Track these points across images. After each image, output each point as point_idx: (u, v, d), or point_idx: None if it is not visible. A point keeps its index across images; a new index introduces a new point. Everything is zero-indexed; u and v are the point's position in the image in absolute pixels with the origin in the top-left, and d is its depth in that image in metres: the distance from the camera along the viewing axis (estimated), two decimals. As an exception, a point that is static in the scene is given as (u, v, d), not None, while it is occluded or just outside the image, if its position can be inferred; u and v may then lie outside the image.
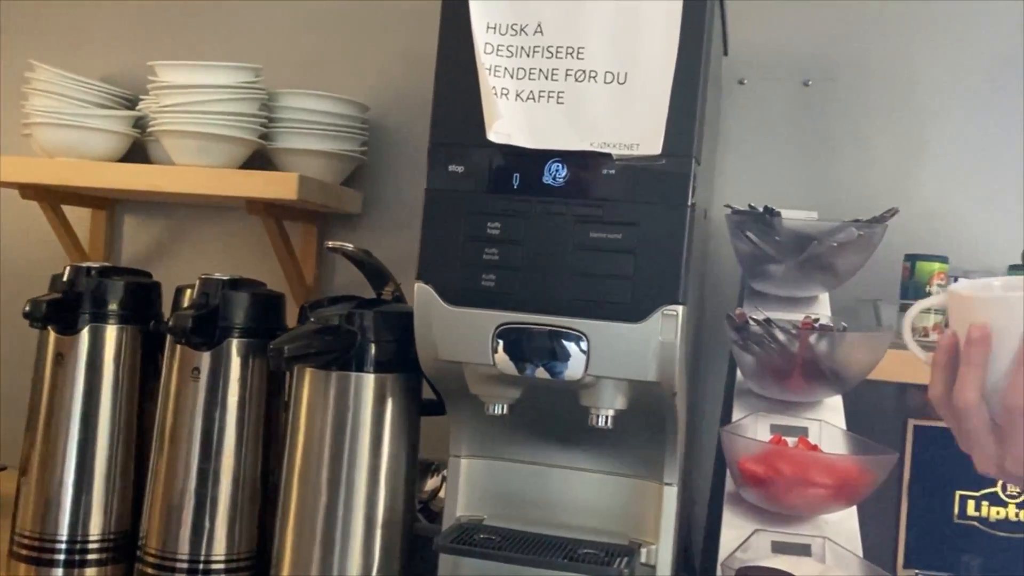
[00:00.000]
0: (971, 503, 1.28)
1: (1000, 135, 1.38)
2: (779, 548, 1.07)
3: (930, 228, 1.37)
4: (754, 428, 1.18)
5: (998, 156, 1.38)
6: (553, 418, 1.05)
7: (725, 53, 1.40)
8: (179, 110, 1.38)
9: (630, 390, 0.96)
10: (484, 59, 0.93)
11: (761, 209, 1.19)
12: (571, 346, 0.92)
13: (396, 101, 1.60)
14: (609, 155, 0.91)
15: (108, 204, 1.70)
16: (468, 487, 1.10)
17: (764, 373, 1.17)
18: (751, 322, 1.14)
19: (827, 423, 1.17)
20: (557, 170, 0.92)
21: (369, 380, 1.07)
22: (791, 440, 1.15)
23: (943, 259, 1.23)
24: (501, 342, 0.93)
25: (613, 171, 0.91)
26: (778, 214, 1.19)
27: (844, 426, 1.18)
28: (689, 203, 0.89)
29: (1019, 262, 1.25)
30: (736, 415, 1.19)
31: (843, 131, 1.45)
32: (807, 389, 1.17)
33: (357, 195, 1.58)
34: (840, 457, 1.08)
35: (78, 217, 1.67)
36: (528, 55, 0.92)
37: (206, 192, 1.37)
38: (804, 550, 1.03)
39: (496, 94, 0.92)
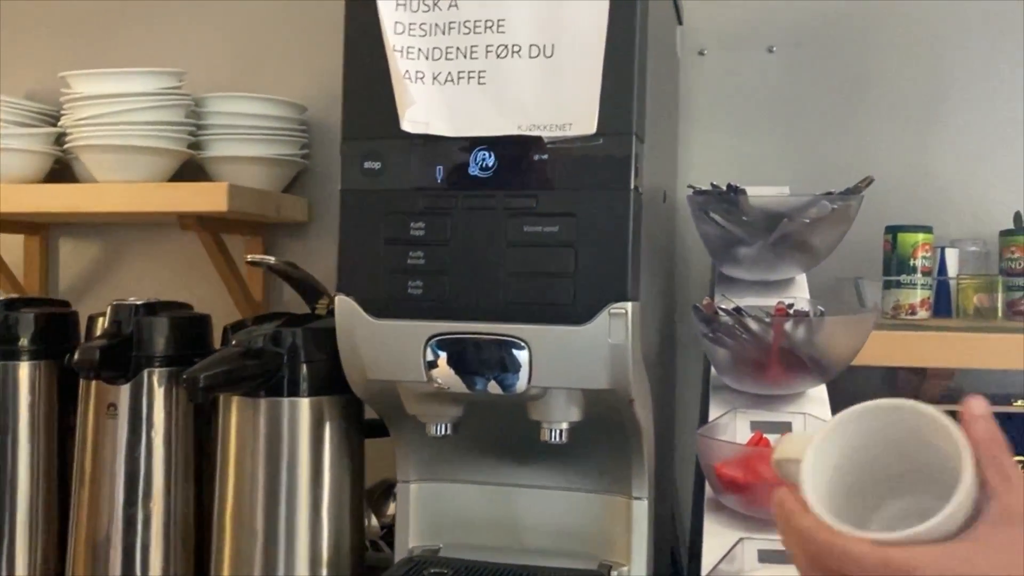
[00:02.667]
0: (975, 491, 1.17)
1: (981, 97, 1.28)
2: (766, 557, 0.97)
3: (912, 197, 1.27)
4: (733, 427, 1.08)
5: (981, 118, 1.28)
6: (507, 434, 0.95)
7: (679, 22, 1.30)
8: (95, 123, 1.28)
9: (583, 399, 0.86)
10: (394, 40, 0.82)
11: (724, 187, 1.09)
12: (511, 356, 0.81)
13: (337, 100, 1.49)
14: (540, 138, 0.80)
15: (40, 229, 1.60)
16: (421, 514, 1.00)
17: (739, 366, 1.07)
18: (720, 312, 1.04)
19: (812, 416, 1.07)
20: (484, 159, 0.82)
21: (303, 405, 0.97)
22: (773, 437, 1.05)
23: (927, 229, 1.13)
24: (433, 356, 0.83)
25: (546, 156, 0.81)
26: (743, 192, 1.08)
27: (830, 417, 1.08)
28: (632, 186, 0.79)
29: (1011, 227, 1.15)
30: (713, 414, 1.09)
31: (813, 98, 1.35)
32: (787, 380, 1.07)
33: (302, 201, 1.48)
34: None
35: (13, 244, 1.57)
36: (443, 32, 0.82)
37: (129, 209, 1.27)
38: (793, 560, 0.93)
39: (410, 78, 0.82)
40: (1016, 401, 1.18)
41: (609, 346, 0.80)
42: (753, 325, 1.02)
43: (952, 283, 1.14)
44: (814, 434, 0.57)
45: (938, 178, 1.28)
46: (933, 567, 0.48)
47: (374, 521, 1.18)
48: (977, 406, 0.53)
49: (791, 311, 1.02)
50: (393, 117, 0.83)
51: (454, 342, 0.82)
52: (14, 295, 1.13)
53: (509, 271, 0.81)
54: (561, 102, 0.80)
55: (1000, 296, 1.09)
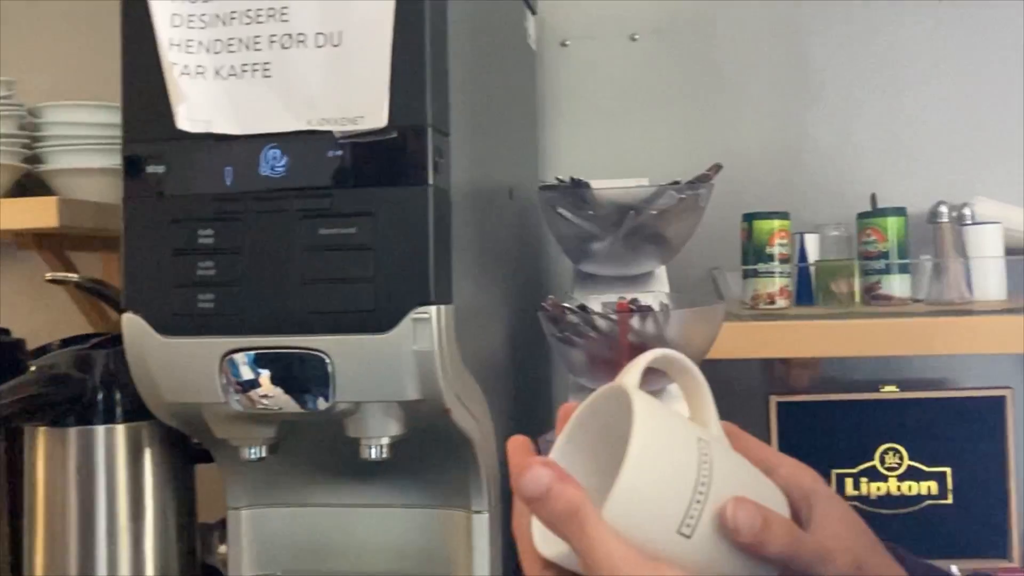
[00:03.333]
0: (849, 481, 1.15)
1: (839, 80, 1.25)
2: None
3: (770, 183, 1.24)
4: (591, 430, 1.03)
5: (839, 101, 1.25)
6: (336, 452, 0.89)
7: (532, 12, 1.25)
8: (-87, 137, 1.19)
9: (402, 412, 0.80)
10: (170, 34, 0.76)
11: (569, 181, 1.04)
12: (313, 370, 0.75)
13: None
14: (331, 133, 0.74)
15: None
16: (254, 542, 0.94)
17: (592, 366, 1.02)
18: (566, 311, 0.99)
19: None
20: (275, 158, 0.76)
21: (119, 432, 0.91)
22: (632, 439, 1.01)
23: (783, 215, 1.09)
24: (229, 373, 0.76)
25: (339, 152, 0.75)
26: (587, 185, 1.04)
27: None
28: (430, 182, 0.74)
29: (869, 209, 1.12)
30: (571, 417, 1.04)
31: (677, 86, 1.31)
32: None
33: (155, 214, 1.39)
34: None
35: None
36: (224, 23, 0.76)
37: (-51, 229, 1.18)
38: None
39: (188, 73, 0.76)
40: (884, 387, 1.15)
41: (415, 354, 0.74)
42: (600, 323, 0.97)
43: (811, 269, 1.10)
44: None
45: (801, 164, 1.26)
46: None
47: (223, 548, 1.11)
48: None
49: (635, 307, 0.98)
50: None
51: (251, 359, 0.76)
52: None
53: (306, 278, 0.75)
54: (351, 94, 0.74)
55: (857, 280, 1.06)
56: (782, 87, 1.27)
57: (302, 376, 0.75)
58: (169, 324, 0.77)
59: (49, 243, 1.27)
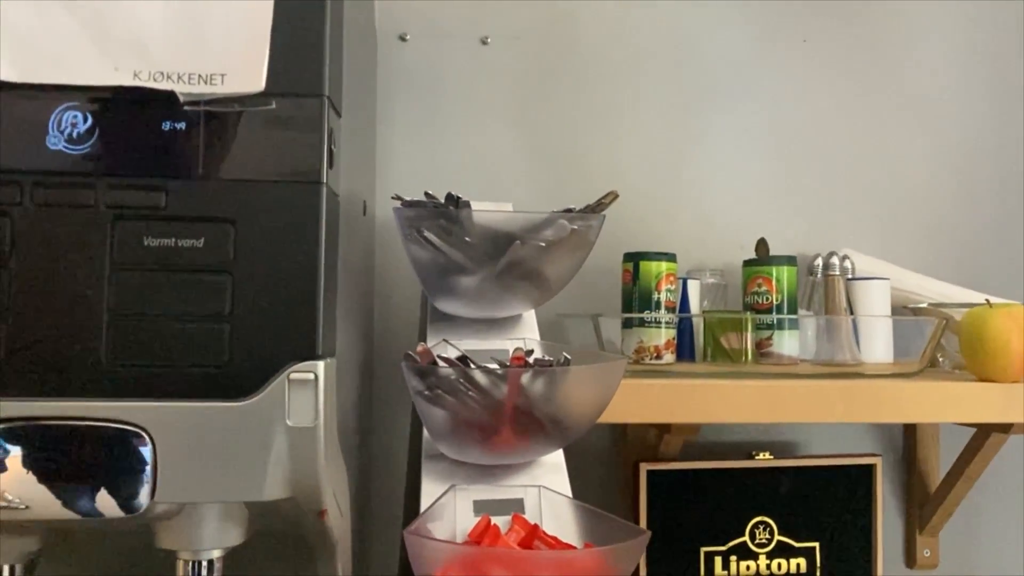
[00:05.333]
0: (719, 560, 1.02)
1: (727, 108, 1.15)
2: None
3: (646, 220, 1.10)
4: (452, 509, 0.82)
5: (726, 132, 1.14)
6: (130, 566, 0.61)
7: (377, -8, 1.04)
8: None
9: (249, 513, 0.55)
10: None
11: (446, 199, 0.84)
12: (118, 454, 0.49)
13: None
14: (173, 94, 0.49)
15: None
16: None
17: (461, 431, 0.81)
18: (440, 362, 0.78)
19: (547, 489, 0.84)
20: (75, 124, 0.49)
21: None
22: (503, 520, 0.81)
23: (671, 257, 0.95)
24: (-25, 459, 0.48)
25: (182, 125, 0.49)
26: (467, 205, 0.84)
27: (568, 488, 0.86)
28: (324, 178, 0.50)
29: (752, 257, 1.01)
30: (426, 493, 0.82)
31: (531, 97, 1.14)
32: (520, 447, 0.83)
33: None
34: (575, 553, 0.75)
35: None
36: (1, -93, 0.48)
37: None
38: None
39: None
40: (757, 453, 1.04)
41: (288, 431, 0.50)
42: (482, 379, 0.77)
43: (696, 321, 0.97)
44: None
45: (675, 200, 1.13)
46: None
47: None
48: None
49: (532, 360, 0.79)
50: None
51: (22, 433, 0.48)
52: None
53: (117, 311, 0.49)
54: (208, 40, 0.49)
55: (749, 336, 0.94)
56: (653, 102, 1.14)
57: (101, 465, 0.49)
58: None
59: None
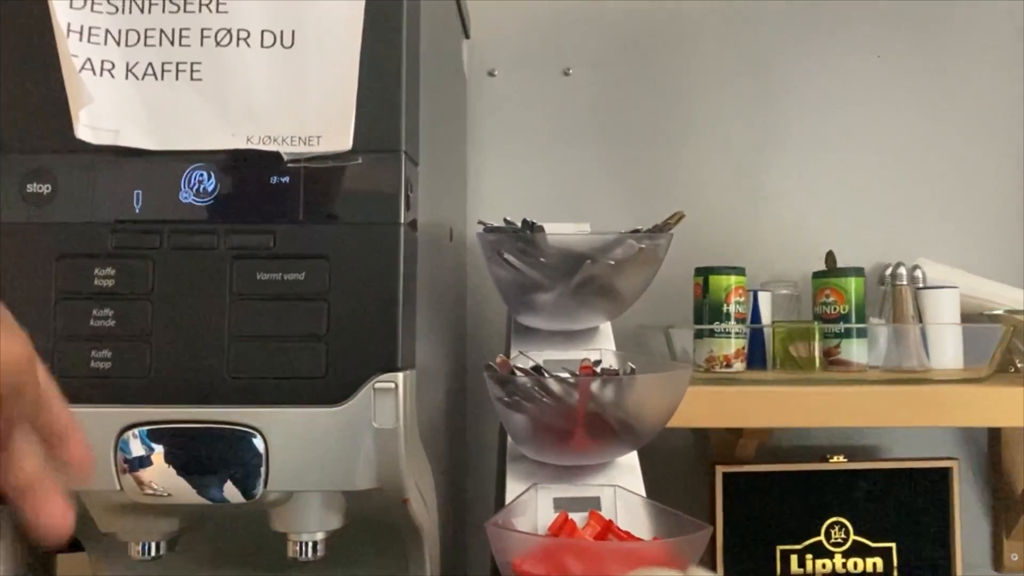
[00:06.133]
0: (794, 559, 1.07)
1: (797, 130, 1.20)
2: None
3: (721, 235, 1.16)
4: (534, 506, 0.90)
5: (795, 151, 1.20)
6: (250, 544, 0.72)
7: (467, 35, 1.14)
8: None
9: (346, 502, 0.65)
10: (69, 16, 0.59)
11: (521, 224, 0.93)
12: (240, 451, 0.60)
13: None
14: (278, 155, 0.60)
15: None
16: (133, 655, 0.75)
17: (539, 435, 0.90)
18: (517, 372, 0.87)
19: (622, 488, 0.91)
20: (201, 181, 0.60)
21: (-39, 517, 0.70)
22: (580, 517, 0.89)
23: (740, 271, 1.01)
24: (127, 454, 0.60)
25: (286, 179, 0.60)
26: (540, 229, 0.92)
27: (642, 488, 0.93)
28: (402, 220, 0.60)
29: (823, 268, 1.06)
30: (510, 491, 0.91)
31: (615, 127, 1.22)
32: (594, 449, 0.91)
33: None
34: (642, 545, 0.83)
35: None
36: (141, 9, 0.60)
37: None
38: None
39: (92, 69, 0.59)
40: (832, 457, 1.09)
41: (374, 432, 0.60)
42: (555, 387, 0.85)
43: (767, 331, 1.03)
44: None
45: (746, 216, 1.19)
46: None
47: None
48: None
49: (598, 369, 0.87)
50: (69, 123, 0.59)
51: (157, 434, 0.59)
52: None
53: (236, 334, 0.60)
54: (305, 108, 0.60)
55: (817, 344, 0.99)
56: (730, 131, 1.20)
57: (226, 459, 0.59)
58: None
59: None
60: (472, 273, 1.13)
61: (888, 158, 1.18)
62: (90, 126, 0.59)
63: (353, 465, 0.60)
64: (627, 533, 0.87)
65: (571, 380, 0.85)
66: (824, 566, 1.07)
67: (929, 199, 1.17)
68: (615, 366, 0.93)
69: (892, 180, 1.17)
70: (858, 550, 1.07)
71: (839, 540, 1.07)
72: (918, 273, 1.06)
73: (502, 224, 0.93)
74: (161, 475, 0.60)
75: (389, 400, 0.59)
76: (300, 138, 0.59)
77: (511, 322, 1.03)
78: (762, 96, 1.20)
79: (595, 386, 0.86)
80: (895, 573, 1.07)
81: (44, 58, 0.60)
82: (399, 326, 0.60)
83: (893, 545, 1.08)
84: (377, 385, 0.59)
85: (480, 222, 0.95)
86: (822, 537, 1.07)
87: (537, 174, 1.22)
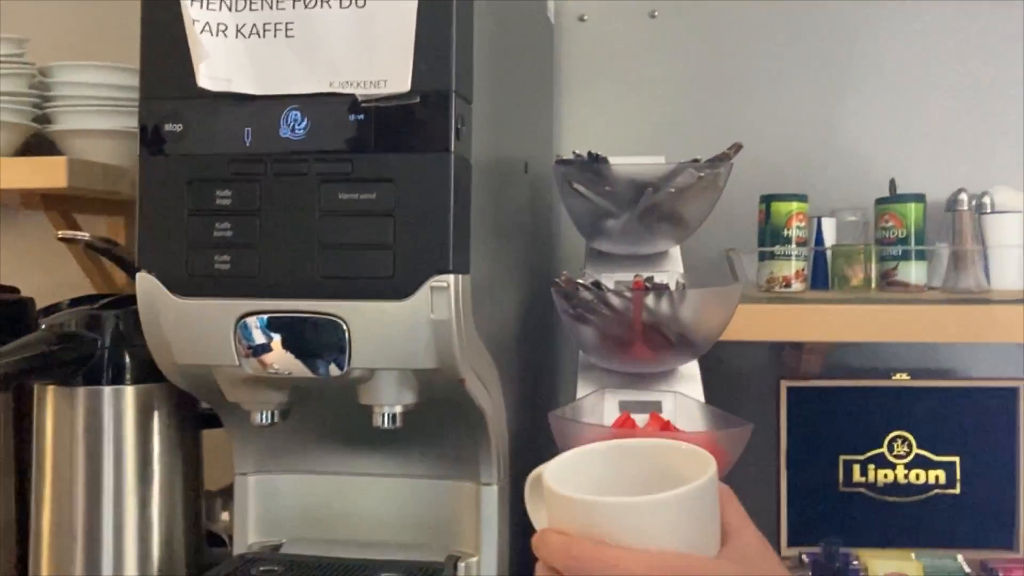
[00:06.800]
0: (856, 468, 1.14)
1: (863, 64, 1.24)
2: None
3: (788, 165, 1.22)
4: (600, 407, 1.02)
5: (862, 85, 1.24)
6: (345, 419, 0.88)
7: (553, -15, 1.24)
8: (-77, 93, 1.18)
9: (416, 380, 0.79)
10: (190, -12, 0.74)
11: (587, 156, 1.03)
12: (329, 335, 0.75)
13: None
14: (354, 97, 0.73)
15: None
16: (261, 508, 0.93)
17: (604, 344, 1.02)
18: (579, 288, 0.98)
19: (681, 394, 1.02)
20: (295, 120, 0.75)
21: (128, 393, 0.90)
22: (641, 417, 1.00)
23: (801, 198, 1.08)
24: (244, 337, 0.76)
25: (362, 116, 0.74)
26: (605, 160, 1.03)
27: (702, 395, 1.03)
28: (452, 149, 0.73)
29: (887, 195, 1.11)
30: (581, 392, 1.03)
31: (694, 66, 1.29)
32: (653, 358, 1.02)
33: (163, 178, 1.38)
34: (687, 434, 0.93)
35: None
36: (247, -19, 0.75)
37: (-40, 186, 1.17)
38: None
39: (209, 31, 0.74)
40: (895, 375, 1.15)
41: (432, 322, 0.73)
42: (613, 300, 0.96)
43: (828, 253, 1.09)
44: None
45: (820, 147, 1.24)
46: (689, 570, 0.50)
47: (225, 516, 1.11)
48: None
49: (650, 285, 0.97)
50: (193, 75, 0.75)
51: (267, 322, 0.75)
52: None
53: (325, 243, 0.74)
54: (375, 57, 0.73)
55: (874, 266, 1.05)
56: (804, 69, 1.26)
57: (318, 341, 0.75)
58: (184, 285, 0.76)
59: (55, 204, 1.26)
60: (557, 203, 1.25)
61: (956, 88, 1.20)
62: (209, 76, 0.74)
63: (416, 348, 0.74)
64: (683, 433, 0.98)
65: (626, 294, 0.96)
66: (886, 476, 1.14)
67: (999, 130, 1.19)
68: (681, 282, 1.03)
69: (961, 110, 1.20)
70: (921, 463, 1.13)
71: (901, 453, 1.13)
72: (986, 200, 1.09)
73: (571, 157, 1.04)
74: (278, 356, 0.76)
75: (443, 297, 0.73)
76: (371, 82, 0.73)
77: (587, 247, 1.15)
78: (834, 31, 1.24)
79: (649, 299, 0.96)
80: (958, 486, 1.13)
81: (173, 23, 0.76)
82: (451, 237, 0.73)
83: (957, 459, 1.13)
84: (433, 284, 0.73)
85: (557, 156, 1.06)
86: (884, 449, 1.14)
87: (622, 112, 1.31)
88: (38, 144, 1.28)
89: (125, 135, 1.29)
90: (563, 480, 0.54)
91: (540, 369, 1.17)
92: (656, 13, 1.31)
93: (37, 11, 1.41)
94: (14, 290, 1.02)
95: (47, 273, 1.35)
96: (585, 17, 1.33)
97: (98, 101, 1.27)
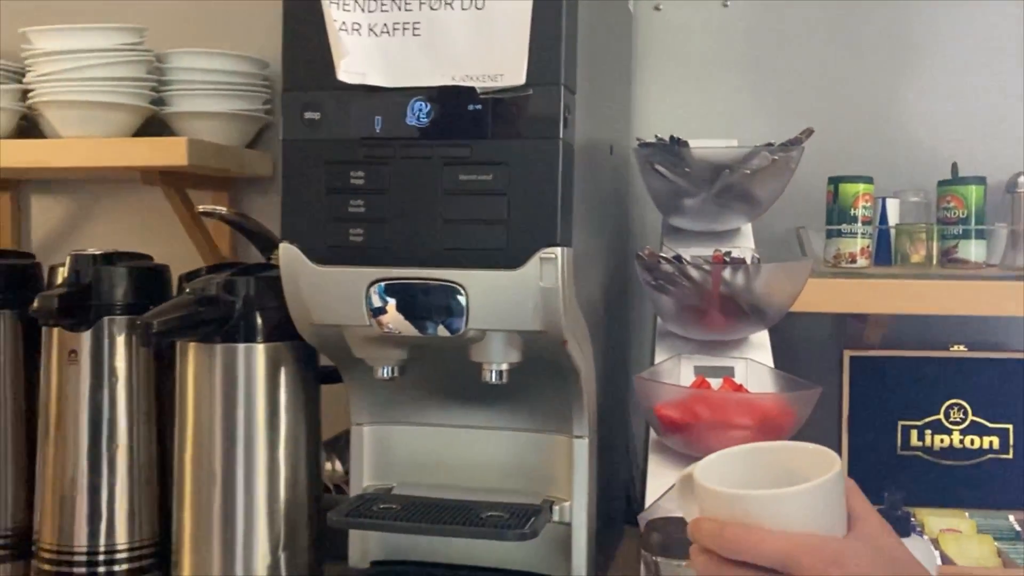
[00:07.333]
0: (914, 433, 1.22)
1: (923, 52, 1.31)
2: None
3: (856, 149, 1.30)
4: (677, 371, 1.12)
5: (923, 74, 1.31)
6: (453, 376, 0.99)
7: (633, -23, 1.32)
8: (57, 78, 1.30)
9: (522, 341, 0.89)
10: (330, -8, 0.85)
11: (668, 139, 1.12)
12: (449, 300, 0.85)
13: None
14: (473, 89, 0.83)
15: (12, 186, 1.62)
16: (374, 456, 1.05)
17: (682, 313, 1.11)
18: (662, 261, 1.07)
19: (753, 361, 1.11)
20: (420, 109, 0.85)
21: (258, 351, 1.01)
22: (715, 381, 1.09)
23: (867, 179, 1.16)
24: (374, 300, 0.86)
25: (479, 107, 0.83)
26: (685, 144, 1.11)
27: (771, 362, 1.12)
28: (560, 136, 0.82)
29: (949, 178, 1.18)
30: (659, 358, 1.13)
31: (765, 53, 1.37)
32: (728, 326, 1.11)
33: (265, 156, 1.50)
34: (759, 396, 1.02)
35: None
36: (379, -15, 0.84)
37: (92, 164, 1.29)
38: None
39: (345, 30, 0.84)
40: (953, 346, 1.22)
41: (541, 289, 0.83)
42: (693, 272, 1.05)
43: (891, 232, 1.17)
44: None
45: (886, 131, 1.31)
46: (824, 549, 0.58)
47: (338, 466, 1.22)
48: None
49: (728, 259, 1.06)
50: (332, 68, 0.85)
51: (394, 287, 0.86)
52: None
53: (446, 218, 0.84)
54: (492, 53, 0.82)
55: (935, 244, 1.12)
56: (872, 55, 1.32)
57: (439, 305, 0.85)
58: (322, 254, 0.87)
59: (172, 180, 1.37)
60: (634, 182, 1.33)
61: (1017, 75, 1.26)
62: (346, 70, 0.84)
63: (525, 312, 0.84)
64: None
65: (706, 267, 1.05)
66: (942, 441, 1.21)
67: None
68: (756, 256, 1.11)
69: (1021, 97, 1.26)
70: (976, 429, 1.21)
71: (957, 419, 1.21)
72: (1046, 182, 1.15)
73: (653, 140, 1.13)
74: (394, 318, 0.87)
75: (551, 267, 0.83)
76: (488, 76, 0.82)
77: (664, 223, 1.23)
78: (899, 20, 1.30)
79: (726, 272, 1.05)
80: (1011, 451, 1.20)
81: (311, 24, 0.86)
82: (558, 214, 0.82)
83: (1010, 427, 1.20)
84: (542, 255, 0.83)
85: (637, 139, 1.15)
86: (941, 416, 1.21)
87: (695, 98, 1.39)
88: (146, 125, 1.40)
89: (233, 117, 1.41)
90: (710, 478, 0.63)
91: (622, 333, 1.27)
92: (728, 2, 1.39)
93: (155, 3, 1.52)
94: (148, 258, 1.14)
95: (162, 244, 1.48)
96: (660, 6, 1.41)
97: (209, 85, 1.38)
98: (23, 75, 1.43)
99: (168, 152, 1.27)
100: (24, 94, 1.42)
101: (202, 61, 1.39)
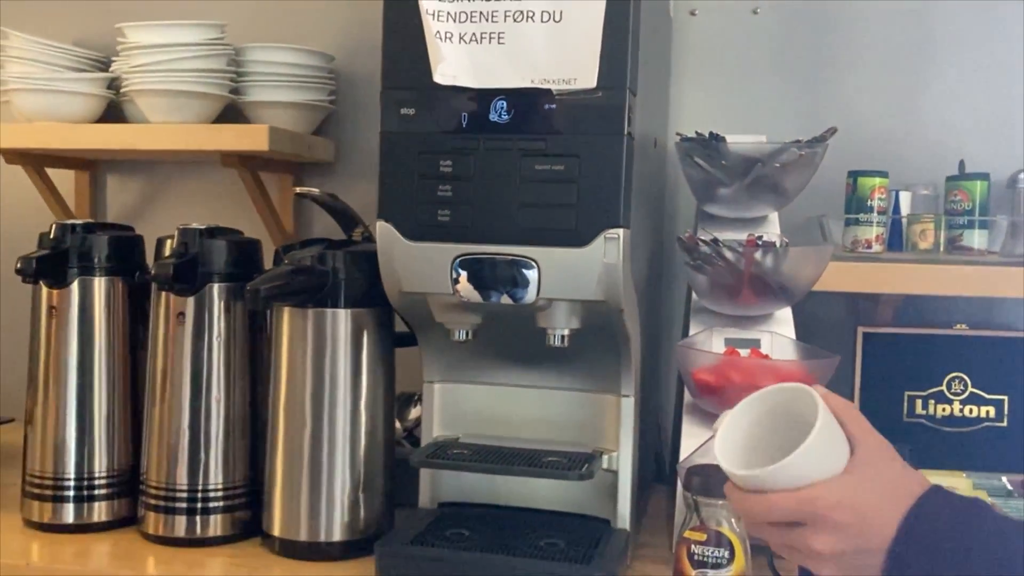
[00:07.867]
0: (919, 402, 1.36)
1: (932, 55, 1.44)
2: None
3: (872, 146, 1.43)
4: (709, 342, 1.26)
5: (938, 77, 1.44)
6: (516, 341, 1.13)
7: (674, -15, 1.45)
8: (149, 70, 1.43)
9: (582, 310, 1.03)
10: (426, 4, 0.98)
11: (707, 135, 1.25)
12: (524, 272, 0.99)
13: (361, 50, 1.64)
14: (549, 91, 0.96)
15: (90, 165, 1.75)
16: (442, 410, 1.19)
17: (716, 291, 1.25)
18: (700, 243, 1.21)
19: (777, 334, 1.25)
20: (502, 108, 0.98)
21: (344, 315, 1.15)
22: (744, 351, 1.23)
23: (883, 174, 1.29)
24: (459, 272, 1.00)
25: (554, 106, 0.97)
26: (723, 139, 1.25)
27: (794, 336, 1.25)
28: (625, 132, 0.96)
29: (956, 173, 1.31)
30: (693, 331, 1.27)
31: (792, 56, 1.50)
32: (757, 303, 1.25)
33: (328, 143, 1.64)
34: (786, 363, 1.16)
35: (64, 178, 1.73)
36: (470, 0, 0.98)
37: (179, 148, 1.43)
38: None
39: (440, 38, 0.98)
40: (957, 325, 1.36)
41: (604, 265, 0.97)
42: (728, 254, 1.19)
43: (903, 221, 1.30)
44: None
45: (900, 130, 1.45)
46: (827, 496, 0.66)
47: (398, 424, 1.36)
48: (822, 389, 0.72)
49: (760, 242, 1.19)
50: (424, 70, 0.99)
51: (476, 261, 1.00)
52: (77, 220, 1.28)
53: (522, 202, 0.98)
54: (567, 60, 0.96)
55: (943, 233, 1.26)
56: (887, 62, 1.46)
57: (515, 277, 0.99)
58: (413, 231, 1.01)
59: (249, 164, 1.51)
60: (673, 173, 1.47)
61: (1021, 78, 1.39)
62: (442, 73, 0.98)
63: (590, 284, 0.98)
64: (777, 361, 1.20)
65: (740, 249, 1.19)
66: (944, 410, 1.35)
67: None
68: (785, 240, 1.25)
69: (1025, 100, 1.39)
70: (974, 400, 1.34)
71: (958, 391, 1.35)
72: (1046, 178, 1.29)
73: (694, 135, 1.27)
74: (467, 288, 1.01)
75: (614, 246, 0.96)
76: (563, 79, 0.96)
77: (698, 210, 1.37)
78: (914, 28, 1.44)
79: (758, 254, 1.19)
80: (1006, 420, 1.34)
81: (410, 26, 0.99)
82: (621, 199, 0.96)
83: (1005, 398, 1.34)
84: (607, 235, 0.96)
85: (678, 134, 1.29)
86: (943, 387, 1.35)
87: (730, 96, 1.52)
88: (227, 112, 1.54)
89: (302, 106, 1.54)
90: (727, 439, 0.73)
91: (660, 305, 1.41)
92: (758, 10, 1.52)
93: (231, 2, 1.65)
94: (240, 232, 1.27)
95: (228, 221, 1.61)
96: (696, 12, 1.54)
97: (284, 78, 1.52)
98: (106, 64, 1.57)
99: (251, 138, 1.41)
100: (109, 82, 1.56)
101: (275, 55, 1.53)
